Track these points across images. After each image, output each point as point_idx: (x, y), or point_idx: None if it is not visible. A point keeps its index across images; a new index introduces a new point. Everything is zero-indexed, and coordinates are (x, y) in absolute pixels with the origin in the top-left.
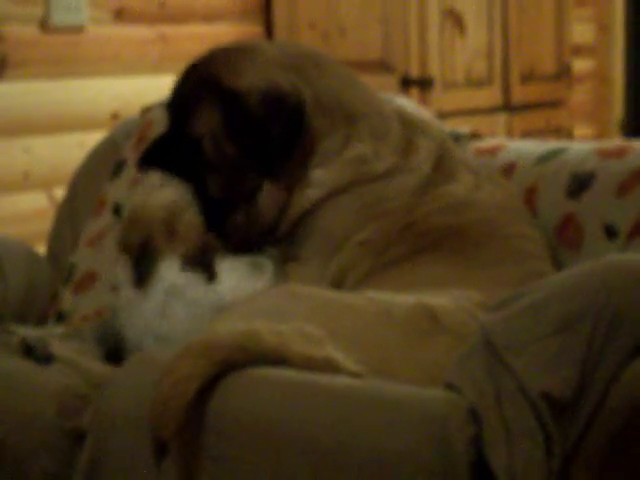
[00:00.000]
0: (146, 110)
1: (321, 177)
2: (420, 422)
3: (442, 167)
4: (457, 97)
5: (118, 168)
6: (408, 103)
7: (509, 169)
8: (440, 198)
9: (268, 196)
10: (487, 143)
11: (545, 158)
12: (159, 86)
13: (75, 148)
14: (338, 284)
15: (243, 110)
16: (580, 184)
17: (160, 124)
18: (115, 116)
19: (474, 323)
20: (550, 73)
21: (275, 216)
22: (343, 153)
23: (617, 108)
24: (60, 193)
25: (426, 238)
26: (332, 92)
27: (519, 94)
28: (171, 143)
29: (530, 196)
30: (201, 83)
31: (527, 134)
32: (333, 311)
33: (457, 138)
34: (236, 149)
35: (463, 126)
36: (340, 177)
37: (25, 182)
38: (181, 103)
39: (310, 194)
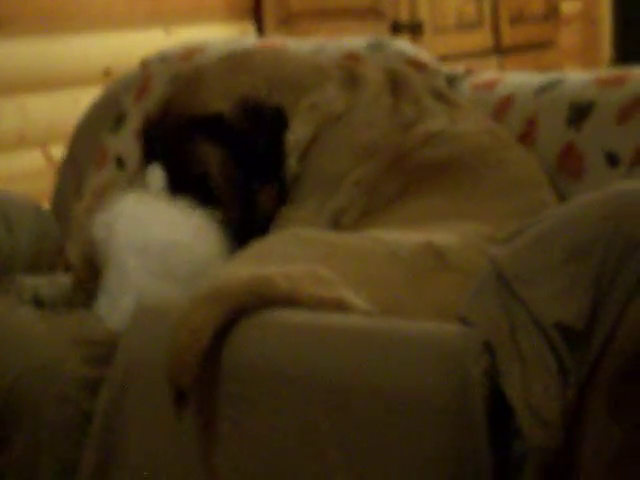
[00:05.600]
0: (145, 63)
1: (290, 139)
2: (435, 356)
3: (401, 93)
4: (448, 41)
5: (119, 121)
6: (406, 45)
7: (507, 102)
8: (424, 134)
9: (267, 193)
10: (483, 78)
11: (543, 89)
12: (150, 40)
13: (70, 105)
14: (335, 225)
15: (232, 129)
16: (580, 113)
17: (159, 77)
18: (107, 72)
19: (481, 259)
20: (539, 14)
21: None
22: (296, 107)
23: (605, 48)
24: (56, 151)
25: (419, 172)
26: (274, 73)
27: (509, 36)
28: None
29: (530, 127)
30: (182, 124)
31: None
32: (340, 254)
33: (453, 78)
34: (241, 170)
35: (457, 66)
36: (305, 127)
37: (21, 141)
38: (173, 149)
39: (290, 162)
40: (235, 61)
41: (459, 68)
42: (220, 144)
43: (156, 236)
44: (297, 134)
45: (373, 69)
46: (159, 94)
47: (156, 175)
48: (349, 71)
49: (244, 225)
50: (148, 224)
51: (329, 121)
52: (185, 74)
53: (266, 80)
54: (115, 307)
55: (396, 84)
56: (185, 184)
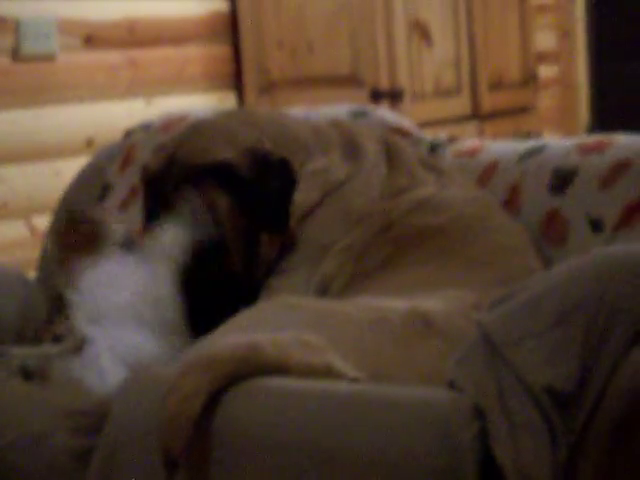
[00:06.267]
0: (129, 133)
1: (295, 200)
2: (425, 422)
3: (396, 164)
4: (427, 107)
5: (104, 191)
6: (388, 114)
7: (491, 169)
8: (412, 200)
9: (269, 244)
10: (466, 145)
11: (526, 156)
12: (131, 110)
13: (51, 176)
14: (323, 292)
15: (239, 177)
16: (563, 179)
17: (142, 147)
18: (90, 142)
19: (468, 325)
20: (517, 80)
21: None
22: (300, 170)
23: (583, 112)
24: (39, 221)
25: (406, 240)
26: (278, 131)
27: (488, 102)
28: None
29: (513, 194)
30: (189, 171)
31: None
32: (329, 320)
33: (436, 146)
34: (249, 218)
35: (439, 134)
36: (309, 192)
37: (3, 212)
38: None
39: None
40: (236, 116)
41: (441, 135)
42: (228, 191)
43: (109, 305)
44: (301, 197)
45: (369, 138)
46: (162, 146)
47: (171, 235)
48: (349, 140)
49: (246, 273)
50: (103, 291)
51: (331, 190)
52: (186, 128)
53: (269, 137)
54: (99, 375)
55: (391, 155)
56: (193, 231)
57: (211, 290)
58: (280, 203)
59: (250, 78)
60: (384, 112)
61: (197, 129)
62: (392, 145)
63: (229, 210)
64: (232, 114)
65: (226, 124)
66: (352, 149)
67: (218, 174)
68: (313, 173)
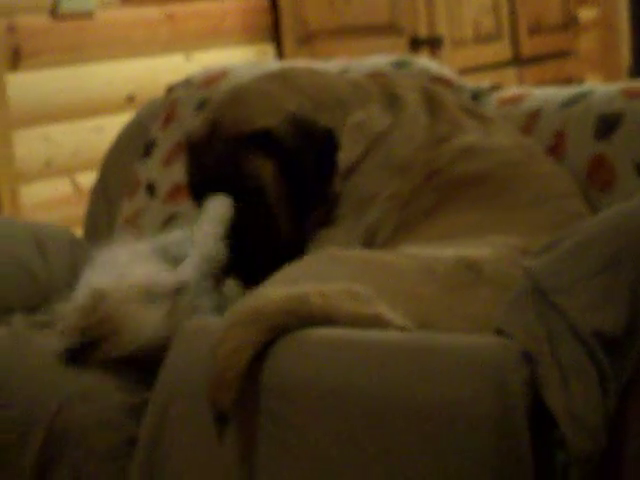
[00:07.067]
0: (170, 89)
1: (339, 157)
2: (475, 368)
3: (437, 112)
4: (467, 54)
5: (148, 148)
6: (429, 63)
7: (535, 116)
8: (457, 147)
9: (316, 212)
10: (510, 93)
11: (570, 102)
12: (171, 65)
13: (94, 132)
14: (369, 241)
15: (281, 145)
16: (608, 125)
17: (184, 103)
18: (131, 98)
19: (516, 272)
20: (557, 24)
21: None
22: (342, 127)
23: (624, 54)
24: (83, 178)
25: (452, 187)
26: (318, 91)
27: (528, 47)
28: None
29: (558, 140)
30: (232, 139)
31: (538, 86)
32: (375, 271)
33: (478, 93)
34: (292, 185)
35: (482, 81)
36: (352, 147)
37: (47, 170)
38: (225, 165)
39: (336, 181)
40: (276, 79)
41: (484, 83)
42: (270, 158)
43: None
44: (344, 153)
45: (409, 89)
46: (204, 114)
47: (220, 205)
48: (389, 91)
49: (292, 239)
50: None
51: (374, 141)
52: (227, 93)
53: (310, 99)
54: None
55: (432, 103)
56: (239, 198)
57: (258, 256)
58: (323, 172)
59: (288, 29)
60: (426, 61)
61: (237, 96)
62: (433, 94)
63: (273, 176)
64: (271, 77)
65: (266, 89)
66: (392, 100)
67: (260, 141)
68: (353, 128)
